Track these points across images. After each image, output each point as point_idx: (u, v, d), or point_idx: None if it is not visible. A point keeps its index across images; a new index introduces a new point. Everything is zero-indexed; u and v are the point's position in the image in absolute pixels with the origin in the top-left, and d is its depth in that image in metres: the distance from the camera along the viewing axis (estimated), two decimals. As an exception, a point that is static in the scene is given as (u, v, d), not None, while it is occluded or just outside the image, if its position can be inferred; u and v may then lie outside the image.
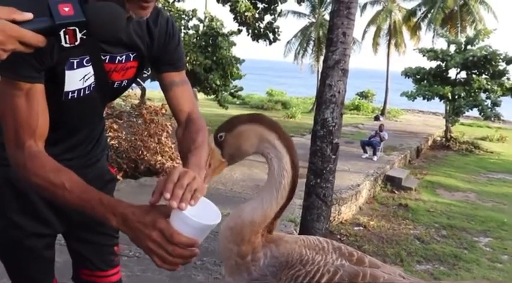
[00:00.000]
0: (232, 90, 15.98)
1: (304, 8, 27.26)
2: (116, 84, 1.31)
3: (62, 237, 1.56)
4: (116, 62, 1.26)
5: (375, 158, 11.09)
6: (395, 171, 10.79)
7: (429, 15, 25.19)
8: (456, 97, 16.09)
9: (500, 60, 15.71)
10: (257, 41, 15.30)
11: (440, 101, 16.92)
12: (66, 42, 0.91)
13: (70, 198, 1.03)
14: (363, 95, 32.05)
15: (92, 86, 1.24)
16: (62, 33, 0.90)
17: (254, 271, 1.03)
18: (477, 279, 5.67)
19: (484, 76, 16.15)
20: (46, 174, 1.05)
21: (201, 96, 16.48)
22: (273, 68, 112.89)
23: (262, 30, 14.96)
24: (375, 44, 28.27)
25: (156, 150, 7.09)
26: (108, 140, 6.29)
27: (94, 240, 1.54)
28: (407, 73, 16.98)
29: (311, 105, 25.80)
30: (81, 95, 1.23)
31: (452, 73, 16.78)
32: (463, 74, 16.59)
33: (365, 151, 11.45)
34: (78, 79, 1.20)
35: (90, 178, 1.15)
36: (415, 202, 9.13)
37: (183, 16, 14.82)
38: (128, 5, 1.07)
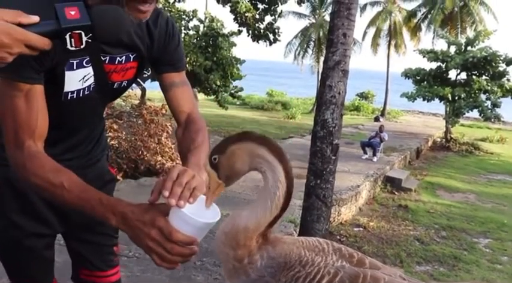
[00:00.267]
0: (232, 91, 15.98)
1: (305, 9, 27.31)
2: (115, 84, 1.31)
3: (61, 237, 1.56)
4: (116, 62, 1.26)
5: (375, 159, 11.09)
6: (395, 172, 10.79)
7: (429, 16, 25.20)
8: (456, 98, 16.09)
9: (500, 62, 15.70)
10: (257, 41, 15.31)
11: (440, 102, 16.92)
12: (71, 46, 0.91)
13: (69, 198, 1.03)
14: (363, 96, 32.07)
15: (92, 86, 1.24)
16: (67, 36, 0.90)
17: (252, 273, 1.03)
18: (477, 280, 5.67)
19: (484, 77, 16.15)
20: (45, 174, 1.05)
21: (201, 96, 16.49)
22: (273, 68, 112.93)
23: (262, 31, 14.98)
24: (375, 45, 28.28)
25: (156, 151, 7.09)
26: (108, 140, 6.29)
27: (93, 240, 1.54)
28: (407, 74, 16.98)
29: (311, 106, 25.81)
30: (81, 95, 1.23)
31: (452, 74, 16.79)
32: (463, 75, 16.59)
33: (365, 152, 11.45)
34: (78, 80, 1.20)
35: (90, 179, 1.15)
36: (414, 203, 9.13)
37: (184, 17, 14.82)
38: (127, 8, 1.07)
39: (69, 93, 1.21)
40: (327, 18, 23.53)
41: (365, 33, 28.80)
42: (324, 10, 27.25)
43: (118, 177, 6.05)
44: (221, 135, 12.74)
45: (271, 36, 15.15)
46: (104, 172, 1.54)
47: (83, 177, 1.08)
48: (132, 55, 1.29)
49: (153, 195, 0.97)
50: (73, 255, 1.59)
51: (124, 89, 1.37)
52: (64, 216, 1.43)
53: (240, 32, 15.07)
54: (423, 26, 26.07)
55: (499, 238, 7.50)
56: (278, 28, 15.19)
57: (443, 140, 17.70)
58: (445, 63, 16.38)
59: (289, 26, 25.22)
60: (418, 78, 16.89)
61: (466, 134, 19.55)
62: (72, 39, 0.91)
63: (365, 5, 27.82)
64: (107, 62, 1.24)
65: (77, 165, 1.27)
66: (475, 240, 7.30)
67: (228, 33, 14.77)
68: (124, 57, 1.27)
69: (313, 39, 27.76)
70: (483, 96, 16.26)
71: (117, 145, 6.79)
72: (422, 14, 26.07)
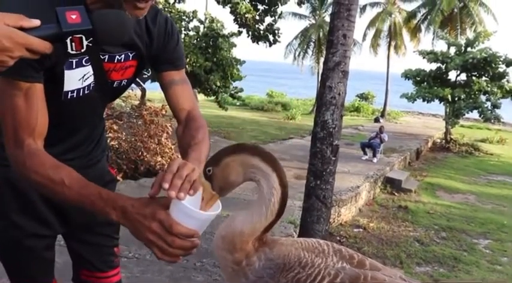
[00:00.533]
0: (232, 92, 15.98)
1: (305, 10, 27.31)
2: (115, 83, 1.31)
3: (61, 238, 1.56)
4: (115, 61, 1.26)
5: (375, 160, 11.10)
6: (395, 173, 10.79)
7: (429, 17, 25.21)
8: (456, 99, 16.10)
9: (500, 63, 15.71)
10: (257, 42, 15.31)
11: (440, 103, 16.93)
12: (72, 49, 0.92)
13: (69, 194, 1.03)
14: (363, 97, 32.07)
15: (92, 85, 1.25)
16: (68, 40, 0.91)
17: (251, 275, 1.04)
18: (476, 281, 5.67)
19: (484, 78, 16.16)
20: (45, 171, 1.05)
21: (201, 97, 16.48)
22: (273, 69, 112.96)
23: (262, 32, 14.97)
24: (375, 46, 28.29)
25: (156, 151, 7.09)
26: (108, 141, 6.29)
27: (94, 241, 1.54)
28: (407, 75, 16.98)
29: (311, 107, 25.80)
30: (81, 94, 1.23)
31: (452, 75, 16.80)
32: (463, 76, 16.60)
33: (365, 153, 11.46)
34: (78, 79, 1.20)
35: (90, 179, 1.15)
36: (414, 204, 9.13)
37: (184, 17, 14.81)
38: (124, 4, 1.08)
39: (69, 93, 1.21)
40: (327, 19, 23.55)
41: (365, 34, 28.81)
42: (324, 11, 27.26)
43: (118, 178, 6.04)
44: (221, 136, 12.76)
45: (271, 37, 15.15)
46: (104, 173, 1.54)
47: (84, 177, 1.08)
48: (131, 54, 1.29)
49: (153, 188, 0.97)
50: (73, 256, 1.59)
51: (124, 89, 1.37)
52: (65, 217, 1.43)
53: (240, 33, 15.07)
54: (423, 27, 26.08)
55: (498, 239, 7.50)
56: (278, 29, 15.19)
57: (443, 140, 17.70)
58: (445, 64, 16.38)
59: (289, 27, 25.28)
60: (418, 79, 16.89)
61: (466, 134, 19.56)
62: (73, 43, 0.92)
63: (364, 6, 27.84)
64: (106, 60, 1.24)
65: (78, 165, 1.27)
66: (475, 241, 7.30)
67: (228, 34, 14.77)
68: (123, 56, 1.27)
69: (313, 40, 27.76)
70: (483, 97, 16.27)
71: (117, 146, 6.79)
72: (422, 15, 26.08)
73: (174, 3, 15.11)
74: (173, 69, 1.38)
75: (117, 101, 8.46)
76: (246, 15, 14.19)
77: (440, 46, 34.81)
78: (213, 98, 16.06)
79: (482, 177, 12.93)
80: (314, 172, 4.69)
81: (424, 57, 16.67)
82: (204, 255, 4.07)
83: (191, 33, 15.02)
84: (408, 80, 17.13)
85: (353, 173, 9.23)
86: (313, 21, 27.92)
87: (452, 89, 16.12)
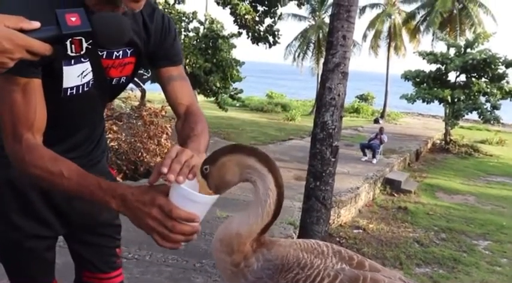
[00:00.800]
0: (232, 93, 15.99)
1: (304, 11, 27.33)
2: (114, 80, 1.31)
3: (61, 239, 1.56)
4: (113, 57, 1.26)
5: (374, 161, 11.10)
6: (394, 174, 10.79)
7: (428, 19, 25.24)
8: (456, 100, 16.12)
9: (499, 64, 15.72)
10: (257, 44, 15.32)
11: (440, 104, 16.94)
12: (72, 51, 0.93)
13: (69, 186, 1.03)
14: (363, 98, 32.08)
15: (91, 82, 1.25)
16: (68, 42, 0.91)
17: (250, 276, 1.04)
18: (476, 282, 5.67)
19: (483, 79, 16.17)
20: (44, 164, 1.05)
21: (200, 98, 16.48)
22: (273, 70, 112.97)
23: (262, 33, 14.98)
24: (375, 47, 28.31)
25: (155, 152, 7.09)
26: (108, 142, 6.28)
27: (95, 241, 1.54)
28: (407, 76, 17.00)
29: (311, 108, 25.80)
30: (80, 91, 1.24)
31: (451, 76, 16.82)
32: (463, 77, 16.62)
33: (364, 154, 11.46)
34: (76, 75, 1.21)
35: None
36: (414, 205, 9.13)
37: (184, 18, 14.82)
38: None
39: (69, 89, 1.21)
40: (327, 20, 23.54)
41: (365, 35, 28.84)
42: (323, 12, 27.28)
43: (118, 179, 6.04)
44: (221, 137, 12.76)
45: (270, 39, 15.16)
46: (105, 174, 1.54)
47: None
48: (129, 50, 1.30)
49: (152, 176, 0.97)
50: (75, 257, 1.59)
51: (123, 86, 1.38)
52: (65, 218, 1.43)
53: (240, 34, 15.08)
54: (422, 28, 26.11)
55: (498, 240, 7.50)
56: (278, 30, 15.20)
57: (443, 142, 17.71)
58: (444, 65, 16.40)
59: (289, 28, 25.29)
60: (418, 80, 16.91)
61: (466, 136, 19.56)
62: (73, 45, 0.92)
63: (364, 7, 27.87)
64: (104, 56, 1.24)
65: (79, 165, 1.28)
66: (475, 242, 7.30)
67: (228, 35, 14.79)
68: (121, 52, 1.28)
69: (313, 41, 27.78)
70: (482, 98, 16.28)
71: (116, 147, 6.79)
72: (421, 16, 26.11)
73: (174, 4, 15.12)
74: (171, 65, 1.39)
75: (117, 102, 8.47)
76: (246, 17, 14.20)
77: (440, 47, 34.84)
78: (212, 98, 16.07)
79: (482, 178, 12.93)
80: (314, 173, 4.69)
81: (423, 58, 16.68)
82: (204, 256, 4.07)
83: (191, 34, 15.04)
84: (408, 81, 17.15)
85: (353, 174, 9.23)
86: (313, 23, 27.94)
87: (451, 90, 16.13)
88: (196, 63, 13.83)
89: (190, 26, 15.10)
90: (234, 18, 14.58)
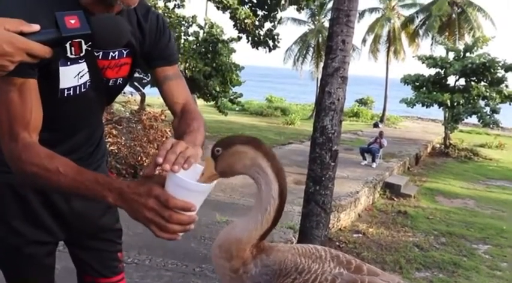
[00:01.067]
0: (231, 97, 16.01)
1: (304, 15, 27.43)
2: (111, 81, 1.32)
3: (61, 243, 1.55)
4: (109, 58, 1.27)
5: (374, 165, 11.10)
6: (394, 178, 10.79)
7: (427, 23, 25.31)
8: (455, 104, 16.13)
9: (498, 68, 15.76)
10: (257, 48, 15.35)
11: (439, 108, 16.97)
12: (71, 54, 0.93)
13: (65, 182, 1.03)
14: (362, 102, 32.12)
15: (88, 83, 1.26)
16: (67, 45, 0.92)
17: (248, 281, 1.05)
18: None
19: (482, 83, 16.19)
20: (41, 161, 1.06)
21: (200, 102, 16.50)
22: (272, 74, 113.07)
23: (261, 37, 15.02)
24: (375, 51, 28.36)
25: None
26: (108, 146, 6.29)
27: (96, 246, 1.54)
28: (406, 80, 17.02)
29: (310, 112, 25.83)
30: (77, 92, 1.24)
31: (451, 80, 16.85)
32: (462, 81, 16.65)
33: (364, 158, 11.46)
34: (73, 76, 1.21)
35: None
36: (414, 209, 9.12)
37: (183, 22, 14.86)
38: None
39: (66, 90, 1.22)
40: (326, 24, 23.63)
41: (364, 39, 28.89)
42: (323, 16, 27.35)
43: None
44: (220, 141, 12.74)
45: (270, 43, 15.20)
46: (105, 178, 1.54)
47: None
48: (125, 51, 1.31)
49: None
50: (77, 262, 1.58)
51: (120, 88, 1.39)
52: (66, 223, 1.43)
53: (239, 38, 15.12)
54: (421, 32, 26.17)
55: (498, 244, 7.49)
56: (277, 34, 15.23)
57: (442, 145, 17.71)
58: (444, 69, 16.43)
59: (288, 32, 25.33)
60: (417, 84, 16.93)
61: (465, 139, 19.57)
62: (73, 48, 0.93)
63: (363, 12, 27.93)
64: (100, 57, 1.25)
65: None
66: (475, 246, 7.29)
67: (228, 39, 14.82)
68: (117, 53, 1.29)
69: (313, 45, 27.84)
70: (482, 102, 16.30)
71: (116, 151, 6.79)
72: (420, 21, 26.18)
73: (173, 8, 15.16)
74: (166, 65, 1.40)
75: (117, 106, 8.48)
76: (246, 21, 14.23)
77: (439, 51, 34.88)
78: (212, 103, 16.09)
79: (482, 182, 12.93)
80: (313, 177, 4.69)
81: (423, 62, 16.72)
82: (203, 261, 4.07)
83: (191, 38, 15.07)
84: (407, 85, 17.17)
85: (352, 178, 9.22)
86: (312, 27, 28.00)
87: (451, 94, 16.15)
88: (196, 67, 13.86)
89: (190, 30, 15.15)
90: (233, 23, 14.62)
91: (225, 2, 13.93)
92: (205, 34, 14.95)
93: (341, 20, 4.50)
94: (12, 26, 0.87)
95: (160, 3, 15.03)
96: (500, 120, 16.31)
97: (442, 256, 6.56)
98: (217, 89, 14.53)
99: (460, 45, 18.29)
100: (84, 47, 0.94)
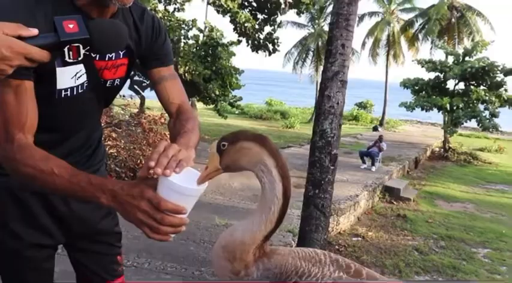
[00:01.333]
0: (231, 100, 16.03)
1: (304, 19, 27.48)
2: (108, 82, 1.32)
3: (59, 246, 1.55)
4: (106, 59, 1.28)
5: (373, 169, 11.10)
6: (393, 181, 10.78)
7: (426, 27, 25.38)
8: (454, 108, 16.17)
9: (498, 72, 15.80)
10: (256, 51, 15.39)
11: (439, 111, 16.99)
12: (69, 58, 0.94)
13: (60, 183, 1.04)
14: (362, 106, 32.16)
15: (85, 84, 1.26)
16: (66, 49, 0.92)
17: (249, 285, 1.05)
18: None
19: (482, 87, 16.23)
20: (35, 162, 1.06)
21: (200, 105, 16.52)
22: (272, 77, 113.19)
23: (261, 41, 15.06)
24: (374, 55, 28.42)
25: (154, 160, 7.07)
26: (107, 149, 6.29)
27: (96, 249, 1.53)
28: (405, 84, 17.05)
29: (310, 115, 25.85)
30: (75, 93, 1.25)
31: (450, 84, 16.89)
32: (462, 85, 16.68)
33: (363, 162, 11.46)
34: (70, 77, 1.21)
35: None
36: (413, 213, 9.11)
37: (183, 26, 14.90)
38: None
39: (63, 91, 1.22)
40: (326, 28, 23.67)
41: (363, 43, 28.95)
42: (322, 20, 27.41)
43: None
44: (220, 144, 12.75)
45: (270, 46, 15.24)
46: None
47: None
48: (121, 51, 1.31)
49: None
50: (76, 266, 1.58)
51: (117, 89, 1.39)
52: (66, 226, 1.43)
53: (239, 42, 15.15)
54: (421, 36, 26.23)
55: (497, 248, 7.48)
56: (277, 38, 15.28)
57: (442, 149, 17.73)
58: (443, 73, 16.47)
59: (288, 36, 25.39)
60: (417, 88, 16.96)
61: (465, 143, 19.58)
62: (71, 52, 0.94)
63: (363, 16, 27.99)
64: (97, 58, 1.25)
65: None
66: (474, 250, 7.28)
67: (228, 43, 14.85)
68: (114, 54, 1.29)
69: (312, 49, 27.89)
70: (481, 106, 16.34)
71: (115, 154, 6.79)
72: (420, 25, 26.25)
73: (173, 11, 15.20)
74: (162, 66, 1.41)
75: (116, 109, 8.48)
76: (246, 25, 14.28)
77: (439, 55, 35.00)
78: (212, 106, 16.11)
79: (481, 186, 12.93)
80: (312, 181, 4.69)
81: (422, 66, 16.75)
82: (203, 264, 4.06)
83: (190, 41, 15.11)
84: (407, 88, 17.20)
85: (352, 182, 9.22)
86: (312, 31, 28.06)
87: (450, 98, 16.18)
88: (196, 71, 13.87)
89: (190, 34, 15.19)
90: (234, 26, 14.66)
91: (225, 5, 13.98)
92: (205, 37, 14.99)
93: (340, 24, 4.51)
94: (10, 30, 0.87)
95: (160, 7, 15.09)
96: (500, 124, 16.34)
97: (441, 260, 6.56)
98: (217, 92, 14.55)
99: (460, 49, 18.32)
100: (82, 51, 0.95)
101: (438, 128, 23.49)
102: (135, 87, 14.96)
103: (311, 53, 28.04)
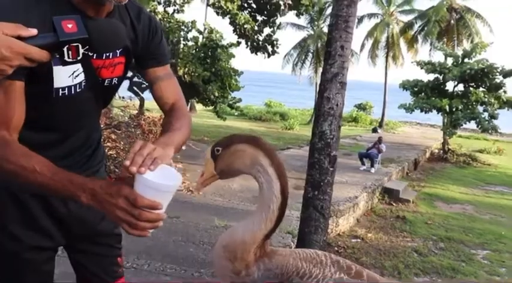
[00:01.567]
0: (230, 102, 16.03)
1: (303, 21, 27.52)
2: (106, 81, 1.32)
3: (58, 248, 1.55)
4: (103, 57, 1.28)
5: (373, 170, 11.11)
6: (392, 183, 10.79)
7: (426, 29, 25.42)
8: (454, 110, 16.18)
9: (497, 74, 15.82)
10: (256, 53, 15.40)
11: (438, 113, 17.00)
12: (69, 58, 0.94)
13: (42, 181, 1.05)
14: (361, 107, 32.17)
15: (83, 84, 1.26)
16: (65, 49, 0.93)
17: (250, 285, 1.05)
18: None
19: (481, 89, 16.25)
20: (18, 159, 1.07)
21: (199, 107, 16.52)
22: (271, 79, 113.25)
23: (261, 42, 15.07)
24: (373, 56, 28.44)
25: (154, 161, 7.06)
26: (106, 150, 6.29)
27: (95, 251, 1.53)
28: (405, 85, 17.07)
29: (309, 117, 25.87)
30: (73, 92, 1.25)
31: (449, 86, 16.90)
32: (461, 87, 16.70)
33: (363, 164, 11.46)
34: (67, 75, 1.22)
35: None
36: (412, 214, 9.12)
37: (183, 27, 14.90)
38: None
39: (60, 90, 1.22)
40: (325, 29, 23.69)
41: (363, 44, 28.98)
42: (322, 21, 27.43)
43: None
44: (219, 146, 12.76)
45: (269, 48, 15.25)
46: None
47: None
48: (118, 50, 1.31)
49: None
50: (76, 267, 1.57)
51: (115, 88, 1.40)
52: (66, 228, 1.43)
53: (238, 43, 15.15)
54: (420, 37, 26.27)
55: (496, 249, 7.49)
56: (277, 40, 15.29)
57: (441, 151, 17.74)
58: (442, 75, 16.48)
59: (288, 37, 25.42)
60: (416, 89, 16.98)
61: (464, 145, 19.60)
62: (70, 52, 0.94)
63: (362, 17, 28.03)
64: (94, 57, 1.25)
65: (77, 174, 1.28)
66: (473, 251, 7.29)
67: (227, 44, 14.86)
68: (111, 52, 1.29)
69: (311, 51, 27.91)
70: (480, 108, 16.35)
71: (115, 155, 6.79)
72: (419, 26, 26.29)
73: (173, 13, 15.21)
74: (158, 65, 1.42)
75: (116, 111, 8.48)
76: (245, 26, 14.29)
77: (438, 57, 35.05)
78: (211, 107, 16.11)
79: (480, 187, 12.94)
80: (312, 182, 4.69)
81: (422, 68, 16.77)
82: (202, 265, 4.06)
83: (190, 43, 15.10)
84: (406, 90, 17.21)
85: (351, 183, 9.23)
86: (312, 32, 28.08)
87: (449, 100, 16.20)
88: (195, 72, 13.87)
89: (189, 35, 15.19)
90: (233, 28, 14.67)
91: (225, 7, 14.00)
92: (204, 39, 14.99)
93: (340, 25, 4.52)
94: (10, 30, 0.88)
95: (160, 8, 15.09)
96: (499, 126, 16.36)
97: (440, 261, 6.56)
98: (216, 94, 14.55)
99: (459, 51, 18.34)
100: (81, 51, 0.95)
101: (437, 129, 23.52)
102: (135, 88, 14.93)
103: (310, 55, 28.06)
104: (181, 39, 14.85)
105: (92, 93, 1.31)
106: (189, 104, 20.58)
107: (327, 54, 4.65)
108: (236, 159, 1.02)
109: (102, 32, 0.98)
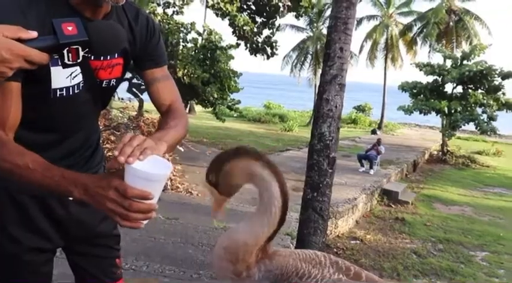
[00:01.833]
0: (229, 103, 16.03)
1: (302, 22, 27.55)
2: (104, 83, 1.32)
3: (58, 249, 1.55)
4: (101, 58, 1.28)
5: (372, 172, 11.11)
6: (391, 184, 10.79)
7: (425, 30, 25.46)
8: (452, 111, 16.20)
9: (495, 75, 15.84)
10: (255, 55, 15.41)
11: (437, 115, 17.02)
12: (69, 60, 0.95)
13: (35, 177, 1.05)
14: (360, 109, 32.19)
15: (81, 84, 1.26)
16: (65, 51, 0.93)
17: (250, 286, 1.05)
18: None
19: (480, 91, 16.28)
20: (13, 158, 1.07)
21: (198, 108, 16.52)
22: (271, 81, 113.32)
23: (260, 44, 15.08)
24: (372, 58, 28.48)
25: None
26: (105, 152, 6.26)
27: (94, 253, 1.53)
28: (404, 87, 17.09)
29: (308, 119, 25.86)
30: (70, 93, 1.25)
31: (448, 88, 16.93)
32: (460, 89, 16.72)
33: (362, 165, 11.47)
34: (65, 76, 1.22)
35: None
36: (411, 216, 9.13)
37: (182, 29, 14.90)
38: None
39: (58, 90, 1.22)
40: (324, 31, 23.72)
41: (362, 46, 29.01)
42: (321, 23, 27.46)
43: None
44: (218, 148, 12.75)
45: (268, 50, 15.27)
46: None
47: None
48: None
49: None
50: (74, 269, 1.57)
51: (113, 89, 1.39)
52: (64, 229, 1.43)
53: (238, 45, 15.15)
54: (419, 39, 26.31)
55: (495, 251, 7.49)
56: (276, 42, 15.30)
57: (440, 152, 17.76)
58: (441, 77, 16.50)
59: (287, 39, 25.44)
60: (415, 91, 17.00)
61: (463, 146, 19.62)
62: (70, 54, 0.94)
63: (361, 19, 28.06)
64: (92, 58, 1.25)
65: None
66: (472, 253, 7.29)
67: (226, 46, 14.87)
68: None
69: (311, 52, 27.92)
70: (479, 110, 16.38)
71: (114, 157, 6.77)
72: (418, 28, 26.33)
73: (172, 14, 15.22)
74: (156, 67, 1.42)
75: (115, 112, 8.48)
76: (244, 28, 14.30)
77: (437, 59, 35.09)
78: (210, 109, 16.11)
79: (479, 189, 12.95)
80: (311, 184, 4.69)
81: (421, 70, 16.79)
82: (201, 267, 4.06)
83: (189, 44, 15.10)
84: (405, 92, 17.23)
85: (350, 185, 9.23)
86: (311, 34, 28.10)
87: (448, 102, 16.22)
88: (194, 74, 13.86)
89: (189, 37, 15.18)
90: (232, 30, 14.67)
91: (224, 9, 14.01)
92: (203, 41, 14.98)
93: (339, 27, 4.52)
94: (10, 32, 0.88)
95: (159, 10, 15.10)
96: (498, 127, 16.38)
97: (439, 263, 6.56)
98: (215, 95, 14.54)
99: (458, 53, 18.38)
100: (81, 53, 0.95)
101: (436, 131, 23.51)
102: (134, 90, 14.95)
103: (309, 56, 28.07)
104: (181, 40, 14.84)
105: (90, 95, 1.31)
106: (189, 106, 20.59)
107: (326, 56, 4.65)
108: (232, 176, 1.03)
109: (101, 34, 0.98)
